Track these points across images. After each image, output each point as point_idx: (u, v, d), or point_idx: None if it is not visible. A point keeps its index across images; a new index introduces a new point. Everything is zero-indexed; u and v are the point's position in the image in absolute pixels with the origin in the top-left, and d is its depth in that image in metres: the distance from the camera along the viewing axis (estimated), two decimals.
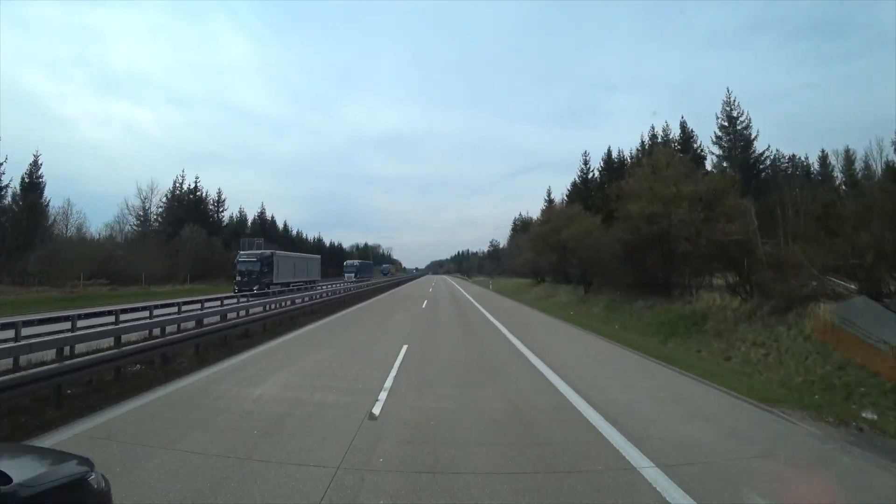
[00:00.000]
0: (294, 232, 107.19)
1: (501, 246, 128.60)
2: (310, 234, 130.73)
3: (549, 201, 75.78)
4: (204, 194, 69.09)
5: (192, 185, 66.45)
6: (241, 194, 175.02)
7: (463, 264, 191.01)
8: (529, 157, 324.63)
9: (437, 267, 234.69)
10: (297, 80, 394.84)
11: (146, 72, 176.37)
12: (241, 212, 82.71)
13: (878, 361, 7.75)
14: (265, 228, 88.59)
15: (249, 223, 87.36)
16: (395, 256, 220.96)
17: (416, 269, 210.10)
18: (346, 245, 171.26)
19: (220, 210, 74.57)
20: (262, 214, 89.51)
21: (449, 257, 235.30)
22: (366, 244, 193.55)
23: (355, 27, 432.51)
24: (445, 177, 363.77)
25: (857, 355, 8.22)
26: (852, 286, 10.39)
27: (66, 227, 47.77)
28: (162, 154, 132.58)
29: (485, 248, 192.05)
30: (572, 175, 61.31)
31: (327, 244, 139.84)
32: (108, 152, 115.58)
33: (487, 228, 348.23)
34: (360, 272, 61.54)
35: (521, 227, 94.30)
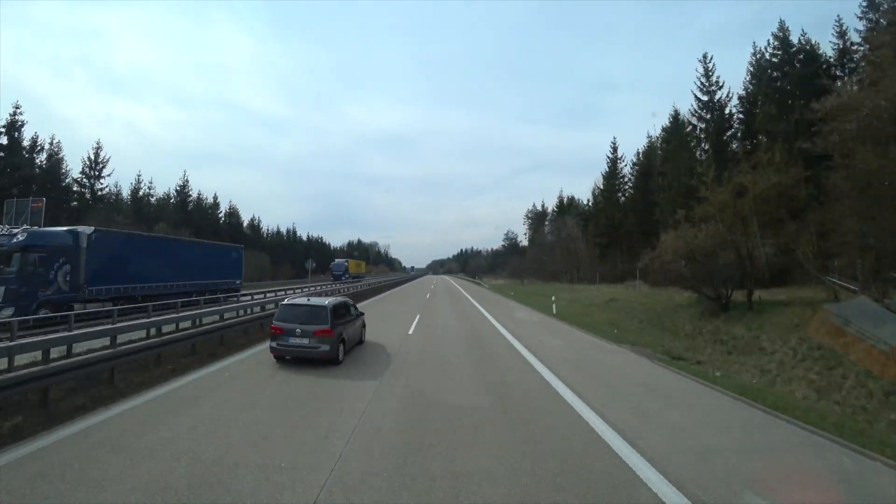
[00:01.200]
0: (247, 220, 79.96)
1: (519, 240, 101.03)
2: (281, 227, 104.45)
3: (612, 157, 47.45)
4: (43, 143, 41.19)
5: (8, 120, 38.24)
6: (241, 194, 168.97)
7: (468, 263, 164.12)
8: (531, 156, 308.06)
9: (437, 266, 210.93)
10: (298, 80, 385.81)
11: (148, 71, 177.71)
12: (140, 182, 54.67)
13: None
14: (187, 210, 61.08)
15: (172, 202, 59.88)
16: (393, 255, 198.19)
17: (413, 268, 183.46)
18: (338, 243, 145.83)
19: (94, 176, 46.89)
20: (183, 189, 61.74)
21: (451, 256, 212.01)
22: (359, 241, 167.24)
23: (357, 27, 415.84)
24: (446, 176, 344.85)
25: None
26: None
27: None
28: (163, 153, 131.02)
29: (492, 246, 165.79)
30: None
31: (304, 239, 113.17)
32: (108, 152, 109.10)
33: (488, 228, 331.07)
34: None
35: (564, 207, 66.43)
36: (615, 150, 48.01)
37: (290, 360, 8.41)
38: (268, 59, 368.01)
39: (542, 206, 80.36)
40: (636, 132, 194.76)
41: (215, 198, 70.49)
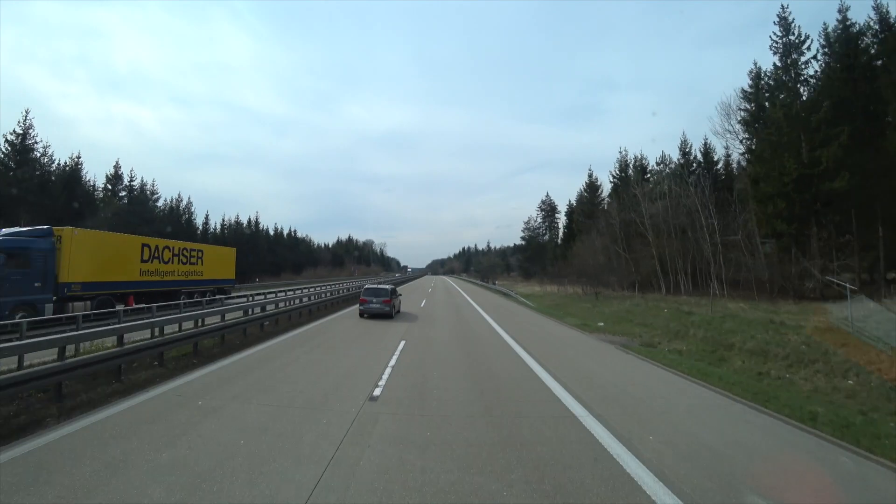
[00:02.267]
0: (180, 201, 56.80)
1: (542, 232, 77.23)
2: (241, 217, 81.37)
3: None
4: None
5: None
6: (242, 194, 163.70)
7: (472, 262, 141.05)
8: (531, 156, 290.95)
9: (437, 266, 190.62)
10: (299, 80, 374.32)
11: (148, 71, 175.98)
12: None
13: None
14: (32, 175, 37.47)
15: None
16: (391, 254, 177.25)
17: (407, 267, 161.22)
18: (331, 241, 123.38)
19: None
20: (22, 142, 37.84)
21: (452, 255, 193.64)
22: (349, 237, 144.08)
23: (358, 26, 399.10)
24: (446, 176, 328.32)
25: None
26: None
27: None
28: (163, 153, 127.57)
29: (497, 244, 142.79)
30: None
31: (271, 233, 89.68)
32: (108, 152, 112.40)
33: (489, 227, 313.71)
34: None
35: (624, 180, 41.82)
36: (787, 27, 23.95)
37: (367, 316, 16.17)
38: (268, 58, 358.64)
39: (588, 183, 56.46)
40: (636, 132, 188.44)
41: (117, 166, 47.49)
